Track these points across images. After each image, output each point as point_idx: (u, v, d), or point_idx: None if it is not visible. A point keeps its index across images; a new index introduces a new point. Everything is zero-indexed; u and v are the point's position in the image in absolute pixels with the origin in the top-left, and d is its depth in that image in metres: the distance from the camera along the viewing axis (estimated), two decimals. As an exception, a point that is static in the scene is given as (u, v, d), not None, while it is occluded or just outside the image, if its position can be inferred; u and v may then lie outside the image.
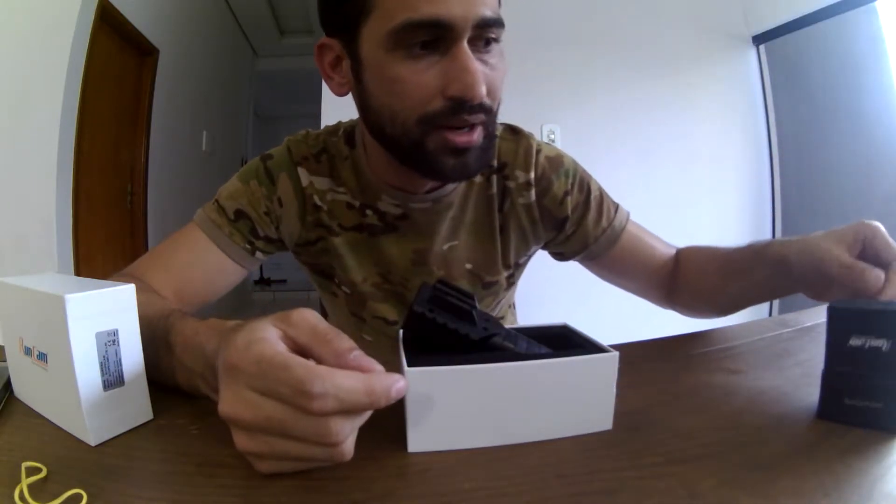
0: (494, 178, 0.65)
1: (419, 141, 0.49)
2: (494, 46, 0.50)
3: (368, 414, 0.30)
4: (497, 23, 0.48)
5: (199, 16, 3.17)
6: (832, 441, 0.33)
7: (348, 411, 0.28)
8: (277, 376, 0.27)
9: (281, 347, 0.29)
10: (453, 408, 0.33)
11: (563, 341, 0.39)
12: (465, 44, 0.46)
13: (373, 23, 0.47)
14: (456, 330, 0.35)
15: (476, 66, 0.46)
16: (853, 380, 0.34)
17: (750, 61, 2.04)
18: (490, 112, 0.50)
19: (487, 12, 0.46)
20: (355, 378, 0.28)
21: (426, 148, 0.50)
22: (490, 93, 0.49)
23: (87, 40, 1.97)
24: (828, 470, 0.30)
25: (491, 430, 0.34)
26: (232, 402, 0.28)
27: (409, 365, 0.32)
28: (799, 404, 0.39)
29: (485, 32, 0.48)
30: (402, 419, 0.34)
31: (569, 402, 0.35)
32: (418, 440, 0.33)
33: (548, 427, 0.35)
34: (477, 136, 0.50)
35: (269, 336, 0.29)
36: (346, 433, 0.28)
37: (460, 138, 0.49)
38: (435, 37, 0.46)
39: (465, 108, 0.47)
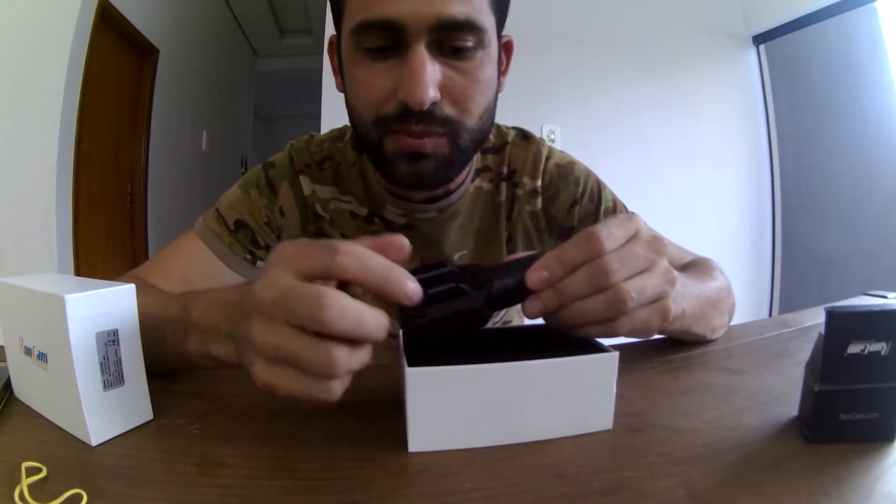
0: (503, 185, 0.64)
1: (377, 143, 0.49)
2: (472, 54, 0.46)
3: (368, 324, 0.29)
4: (466, 26, 0.44)
5: (199, 16, 3.17)
6: (832, 440, 0.33)
7: (363, 277, 0.29)
8: (314, 244, 0.30)
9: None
10: (454, 407, 0.33)
11: (563, 341, 0.39)
12: (420, 47, 0.43)
13: (344, 24, 0.47)
14: (456, 312, 0.33)
15: (427, 71, 0.43)
16: (850, 393, 0.32)
17: (750, 61, 2.04)
18: (453, 123, 0.47)
19: (451, 11, 0.43)
20: (380, 258, 0.30)
21: (384, 150, 0.49)
22: (456, 102, 0.47)
23: (87, 40, 1.97)
24: (828, 469, 0.30)
25: (491, 429, 0.34)
26: (265, 281, 0.30)
27: (410, 365, 0.32)
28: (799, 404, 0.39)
29: (451, 38, 0.44)
30: (402, 419, 0.34)
31: (569, 402, 0.35)
32: (418, 440, 0.33)
33: (548, 427, 0.35)
34: (433, 144, 0.47)
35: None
36: (346, 321, 0.28)
37: (412, 141, 0.47)
38: (391, 40, 0.44)
39: (413, 114, 0.45)
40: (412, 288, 0.30)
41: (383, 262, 0.29)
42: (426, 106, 0.44)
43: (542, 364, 0.33)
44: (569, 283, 0.33)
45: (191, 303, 0.41)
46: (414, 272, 0.34)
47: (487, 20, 0.46)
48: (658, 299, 0.35)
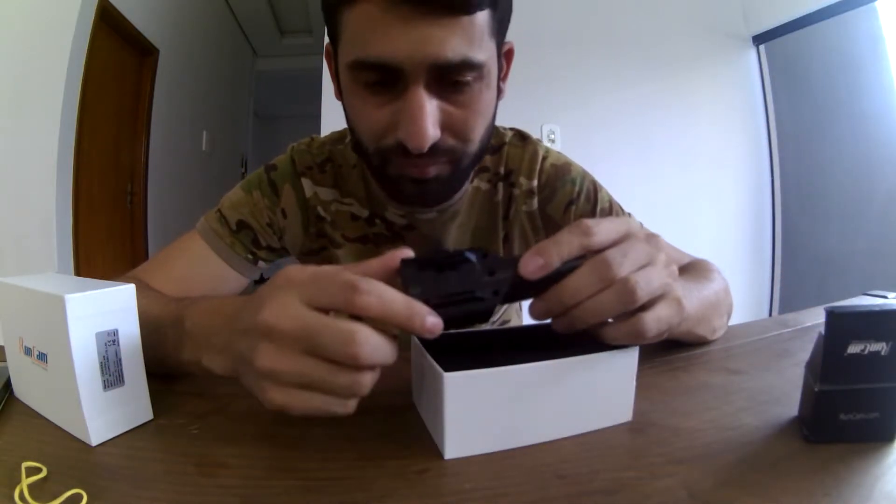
0: (501, 185, 0.64)
1: (380, 165, 0.50)
2: (469, 87, 0.45)
3: (390, 355, 0.30)
4: (462, 67, 0.43)
5: (199, 16, 3.17)
6: (832, 440, 0.33)
7: (386, 317, 0.29)
8: (330, 278, 0.29)
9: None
10: (489, 410, 0.32)
11: (562, 339, 0.39)
12: (419, 88, 0.43)
13: (340, 53, 0.47)
14: (466, 314, 0.32)
15: (426, 114, 0.43)
16: (850, 393, 0.32)
17: (750, 61, 2.04)
18: (455, 152, 0.48)
19: (447, 54, 0.42)
20: (399, 294, 0.29)
21: (388, 171, 0.50)
22: (457, 135, 0.47)
23: (87, 40, 1.97)
24: (828, 470, 0.30)
25: (523, 429, 0.34)
26: (276, 310, 0.29)
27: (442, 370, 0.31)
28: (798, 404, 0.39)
29: (448, 75, 0.44)
30: (400, 420, 0.34)
31: (595, 397, 0.35)
32: (455, 446, 0.32)
33: (575, 423, 0.35)
34: (436, 170, 0.48)
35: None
36: (375, 356, 0.29)
37: (415, 170, 0.48)
38: (386, 78, 0.44)
39: (413, 152, 0.45)
40: (432, 322, 0.30)
41: (402, 298, 0.29)
42: (426, 149, 0.44)
43: (573, 361, 0.34)
44: (573, 281, 0.32)
45: (185, 310, 0.41)
46: (432, 258, 0.33)
47: (486, 51, 0.45)
48: (665, 292, 0.34)
